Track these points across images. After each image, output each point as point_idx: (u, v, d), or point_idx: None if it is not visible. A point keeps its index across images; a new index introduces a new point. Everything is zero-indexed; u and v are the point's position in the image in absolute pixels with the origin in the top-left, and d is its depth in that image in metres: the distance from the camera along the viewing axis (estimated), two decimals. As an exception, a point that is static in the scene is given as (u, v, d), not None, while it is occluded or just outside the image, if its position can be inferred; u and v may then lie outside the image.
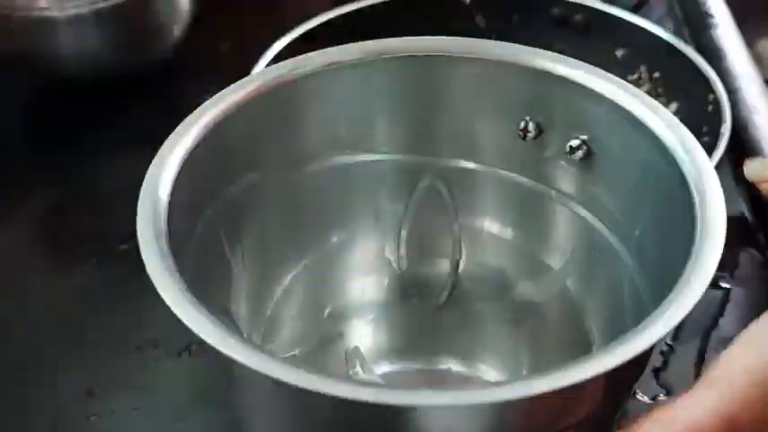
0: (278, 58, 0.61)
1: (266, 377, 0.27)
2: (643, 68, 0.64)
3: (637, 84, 0.63)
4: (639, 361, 0.29)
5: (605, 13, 0.64)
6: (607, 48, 0.65)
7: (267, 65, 0.60)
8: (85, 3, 0.65)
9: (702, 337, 0.50)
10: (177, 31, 0.72)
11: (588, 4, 0.65)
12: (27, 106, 0.73)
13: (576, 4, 0.66)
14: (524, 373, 0.45)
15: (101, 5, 0.66)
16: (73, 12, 0.65)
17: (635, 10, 0.65)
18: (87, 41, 0.67)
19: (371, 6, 0.66)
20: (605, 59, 0.64)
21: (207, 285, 0.36)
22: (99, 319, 0.52)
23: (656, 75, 0.63)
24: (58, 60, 0.68)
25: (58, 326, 0.52)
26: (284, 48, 0.62)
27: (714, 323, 0.51)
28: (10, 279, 0.56)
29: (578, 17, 0.65)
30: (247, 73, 0.40)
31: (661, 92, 0.63)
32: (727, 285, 0.53)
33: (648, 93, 0.61)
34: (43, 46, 0.67)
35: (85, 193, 0.63)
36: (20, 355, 0.51)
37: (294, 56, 0.41)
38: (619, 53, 0.65)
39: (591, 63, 0.64)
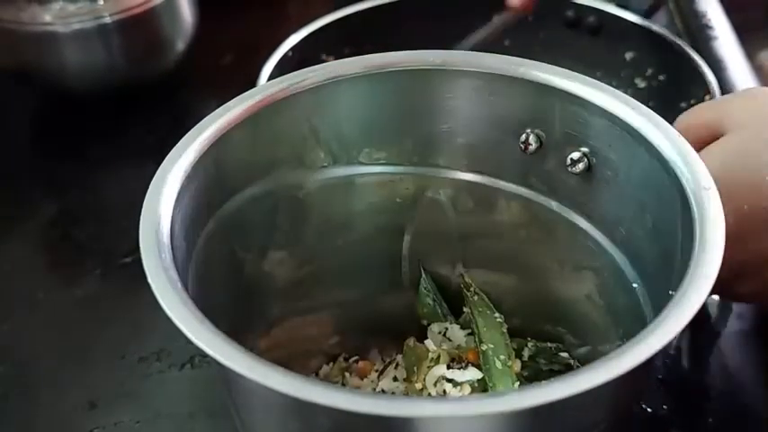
0: (283, 60, 0.62)
1: (268, 389, 0.27)
2: (650, 71, 0.65)
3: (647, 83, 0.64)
4: (640, 372, 0.29)
5: (617, 16, 0.66)
6: (617, 49, 0.65)
7: (273, 67, 0.61)
8: (89, 18, 0.66)
9: (705, 347, 0.50)
10: (180, 45, 0.72)
11: (601, 7, 0.67)
12: (31, 119, 0.74)
13: (589, 6, 0.67)
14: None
15: (104, 20, 0.66)
16: (77, 26, 0.66)
17: (647, 15, 0.66)
18: (91, 56, 0.68)
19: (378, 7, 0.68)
20: (614, 60, 0.66)
21: (209, 298, 0.36)
22: (102, 331, 0.53)
23: (662, 77, 0.64)
24: (62, 74, 0.68)
25: (61, 338, 0.52)
26: (290, 50, 0.63)
27: (717, 334, 0.51)
28: (14, 291, 0.56)
29: (591, 19, 0.66)
30: (250, 86, 0.41)
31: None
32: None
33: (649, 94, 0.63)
34: (48, 60, 0.68)
35: (89, 206, 0.63)
36: (23, 367, 0.51)
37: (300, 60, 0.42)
38: (628, 55, 0.66)
39: (600, 63, 0.66)
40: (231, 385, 0.33)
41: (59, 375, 0.50)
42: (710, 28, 0.65)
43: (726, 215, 0.33)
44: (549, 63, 0.62)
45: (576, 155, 0.41)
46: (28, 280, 0.57)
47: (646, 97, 0.63)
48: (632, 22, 0.65)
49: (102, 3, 0.67)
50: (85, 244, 0.59)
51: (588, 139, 0.40)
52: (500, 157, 0.44)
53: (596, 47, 0.66)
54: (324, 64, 0.41)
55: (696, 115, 0.45)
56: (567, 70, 0.41)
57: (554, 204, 0.43)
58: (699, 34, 0.64)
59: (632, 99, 0.39)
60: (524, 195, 0.44)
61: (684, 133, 0.39)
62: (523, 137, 0.42)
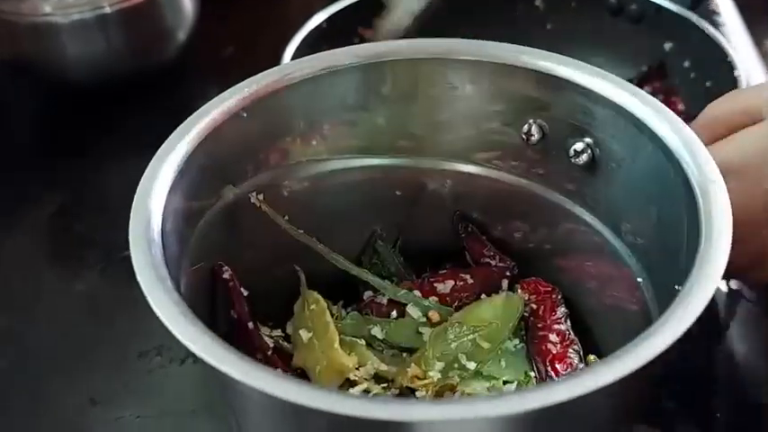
0: (316, 32, 0.62)
1: (259, 392, 0.27)
2: (687, 63, 0.64)
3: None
4: (646, 371, 0.29)
5: (660, 6, 0.65)
6: (657, 39, 0.65)
7: (304, 37, 0.60)
8: (89, 8, 0.66)
9: (714, 342, 0.50)
10: (181, 35, 0.72)
11: None
12: (32, 111, 0.74)
13: None
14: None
15: (104, 11, 0.66)
16: (77, 17, 0.66)
17: (692, 7, 0.65)
18: (91, 46, 0.67)
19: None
20: (653, 50, 0.65)
21: (202, 295, 0.35)
22: (103, 326, 0.52)
23: (697, 71, 0.63)
24: (62, 65, 0.68)
25: (62, 333, 0.52)
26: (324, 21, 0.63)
27: (726, 327, 0.50)
28: (15, 285, 0.56)
29: (633, 7, 0.66)
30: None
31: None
32: (737, 287, 0.52)
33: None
34: (47, 51, 0.67)
35: (90, 199, 0.63)
36: (23, 362, 0.50)
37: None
38: (667, 46, 0.65)
39: (637, 51, 0.64)
40: (224, 385, 0.33)
41: (60, 371, 0.49)
42: (717, 14, 0.65)
43: (755, 197, 0.32)
44: (588, 48, 0.61)
45: (579, 146, 0.40)
46: (28, 274, 0.57)
47: (680, 89, 0.63)
48: (674, 13, 0.64)
49: (101, -7, 0.66)
50: (86, 238, 0.59)
51: (592, 130, 0.40)
52: (503, 147, 0.43)
53: (635, 35, 0.65)
54: (318, 54, 0.41)
55: (731, 101, 0.44)
56: (570, 59, 0.40)
57: (557, 196, 0.42)
58: (706, 20, 0.63)
59: (637, 88, 0.38)
60: (526, 187, 0.43)
61: (714, 121, 0.37)
62: (526, 127, 0.42)
